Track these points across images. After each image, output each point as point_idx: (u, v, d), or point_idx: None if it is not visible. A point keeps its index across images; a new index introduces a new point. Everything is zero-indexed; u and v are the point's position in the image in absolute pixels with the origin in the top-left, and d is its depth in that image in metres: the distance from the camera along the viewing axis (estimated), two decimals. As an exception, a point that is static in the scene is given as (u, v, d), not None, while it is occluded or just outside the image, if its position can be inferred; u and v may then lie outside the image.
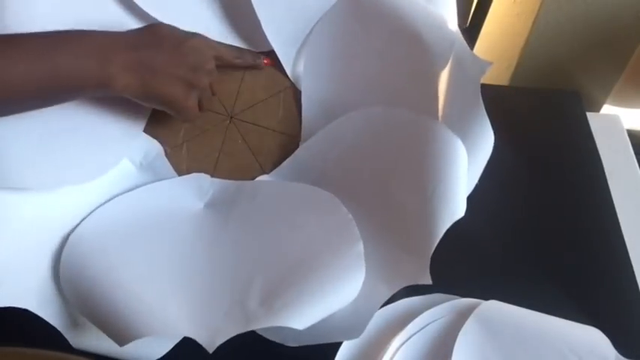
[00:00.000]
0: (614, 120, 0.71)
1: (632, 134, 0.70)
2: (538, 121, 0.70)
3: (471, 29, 0.75)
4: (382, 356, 0.47)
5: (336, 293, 0.44)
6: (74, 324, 0.48)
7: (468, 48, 0.50)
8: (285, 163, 0.55)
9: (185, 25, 0.53)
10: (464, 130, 0.48)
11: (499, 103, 0.73)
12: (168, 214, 0.53)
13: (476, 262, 0.56)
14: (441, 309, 0.50)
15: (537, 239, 0.59)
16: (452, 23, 0.52)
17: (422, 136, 0.49)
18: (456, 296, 0.51)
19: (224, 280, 0.47)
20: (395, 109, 0.52)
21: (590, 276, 0.56)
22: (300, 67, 0.56)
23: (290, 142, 0.56)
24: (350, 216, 0.49)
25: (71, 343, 0.48)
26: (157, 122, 0.56)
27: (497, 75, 0.85)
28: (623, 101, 0.85)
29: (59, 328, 0.47)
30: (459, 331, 0.48)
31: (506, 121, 0.70)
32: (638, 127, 0.88)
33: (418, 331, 0.49)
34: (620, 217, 0.60)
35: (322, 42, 0.55)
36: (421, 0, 0.52)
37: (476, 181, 0.49)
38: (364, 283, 0.45)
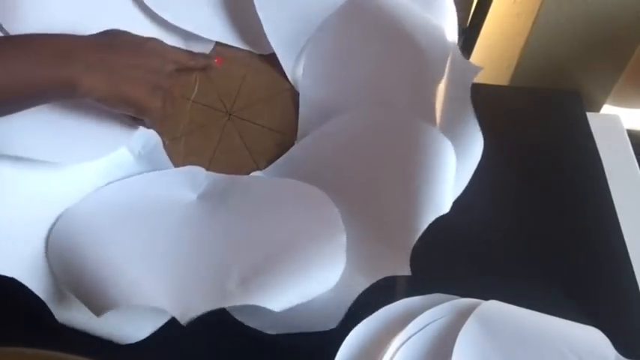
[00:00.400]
0: (614, 120, 0.71)
1: (632, 134, 0.70)
2: (538, 121, 0.70)
3: (471, 29, 0.75)
4: (382, 356, 0.47)
5: (314, 279, 0.45)
6: (60, 298, 0.49)
7: (460, 53, 0.52)
8: (279, 161, 0.56)
9: (191, 25, 0.55)
10: (454, 133, 0.49)
11: (499, 103, 0.73)
12: (162, 201, 0.54)
13: (476, 262, 0.56)
14: (441, 309, 0.50)
15: (537, 239, 0.59)
16: (451, 34, 0.54)
17: (412, 135, 0.50)
18: (456, 296, 0.51)
19: (206, 262, 0.48)
20: (387, 109, 0.53)
21: (590, 276, 0.56)
22: (300, 70, 0.57)
23: (285, 140, 0.57)
24: (336, 210, 0.49)
25: (56, 316, 0.48)
26: None
27: (497, 75, 0.86)
28: (623, 101, 0.85)
29: (45, 300, 0.48)
30: (459, 331, 0.48)
31: (507, 121, 0.70)
32: (638, 127, 0.88)
33: (418, 331, 0.49)
34: (620, 217, 0.60)
35: (322, 47, 0.57)
36: (420, 10, 0.54)
37: (465, 183, 0.50)
38: (343, 272, 0.46)
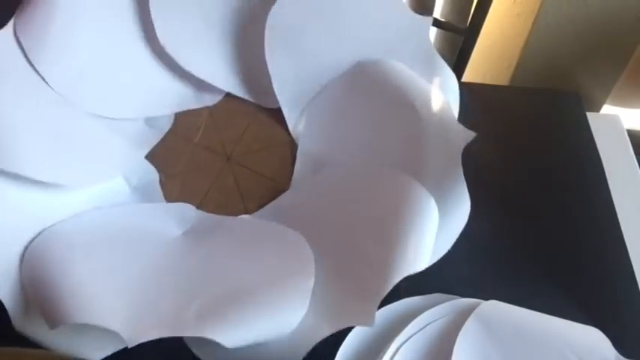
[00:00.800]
0: (614, 120, 0.71)
1: (632, 134, 0.70)
2: (538, 121, 0.70)
3: (471, 29, 0.75)
4: (382, 356, 0.47)
5: (273, 322, 0.45)
6: (23, 308, 0.48)
7: (455, 118, 0.54)
8: (267, 206, 0.58)
9: (206, 75, 0.60)
10: (441, 194, 0.50)
11: (499, 103, 0.73)
12: (146, 231, 0.54)
13: (476, 262, 0.56)
14: (441, 309, 0.50)
15: (537, 239, 0.59)
16: (453, 103, 0.57)
17: (398, 192, 0.51)
18: (456, 296, 0.51)
19: (169, 292, 0.48)
20: (377, 165, 0.55)
21: (590, 276, 0.56)
22: (302, 126, 0.61)
23: (278, 188, 0.59)
24: (311, 254, 0.49)
25: (14, 324, 0.47)
26: (160, 150, 0.59)
27: (497, 75, 0.86)
28: (623, 101, 0.85)
29: (7, 306, 0.47)
30: (459, 331, 0.48)
31: (506, 121, 0.70)
32: (638, 127, 0.88)
33: (418, 331, 0.49)
34: (620, 217, 0.60)
35: (325, 105, 0.60)
36: (423, 80, 0.56)
37: (448, 247, 0.50)
38: (305, 318, 0.45)
